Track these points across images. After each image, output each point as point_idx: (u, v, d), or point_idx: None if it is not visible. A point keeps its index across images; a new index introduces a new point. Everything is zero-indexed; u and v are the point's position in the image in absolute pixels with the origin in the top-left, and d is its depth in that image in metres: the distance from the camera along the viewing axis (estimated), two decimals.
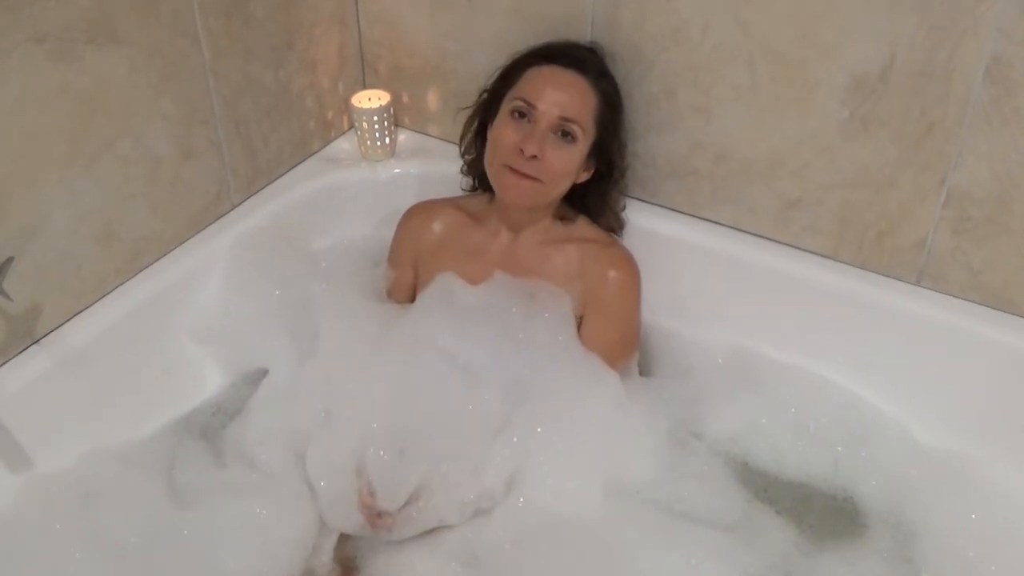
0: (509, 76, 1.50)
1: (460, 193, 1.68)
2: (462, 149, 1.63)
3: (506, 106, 1.47)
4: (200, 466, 1.44)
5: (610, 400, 1.42)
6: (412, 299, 1.59)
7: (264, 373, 1.55)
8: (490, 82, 1.55)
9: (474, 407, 1.41)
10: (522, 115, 1.44)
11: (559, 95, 1.43)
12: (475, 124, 1.58)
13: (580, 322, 1.51)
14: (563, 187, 1.48)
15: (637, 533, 1.33)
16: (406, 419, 1.39)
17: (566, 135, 1.43)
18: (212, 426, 1.55)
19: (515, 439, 1.37)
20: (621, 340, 1.51)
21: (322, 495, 1.36)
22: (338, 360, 1.47)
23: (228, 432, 1.49)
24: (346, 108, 1.87)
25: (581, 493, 1.36)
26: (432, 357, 1.45)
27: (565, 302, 1.49)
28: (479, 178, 1.63)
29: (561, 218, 1.56)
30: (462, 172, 1.66)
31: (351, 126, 1.89)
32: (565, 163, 1.44)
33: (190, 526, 1.33)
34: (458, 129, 1.64)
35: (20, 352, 1.37)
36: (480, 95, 1.57)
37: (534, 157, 1.41)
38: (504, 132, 1.44)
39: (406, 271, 1.61)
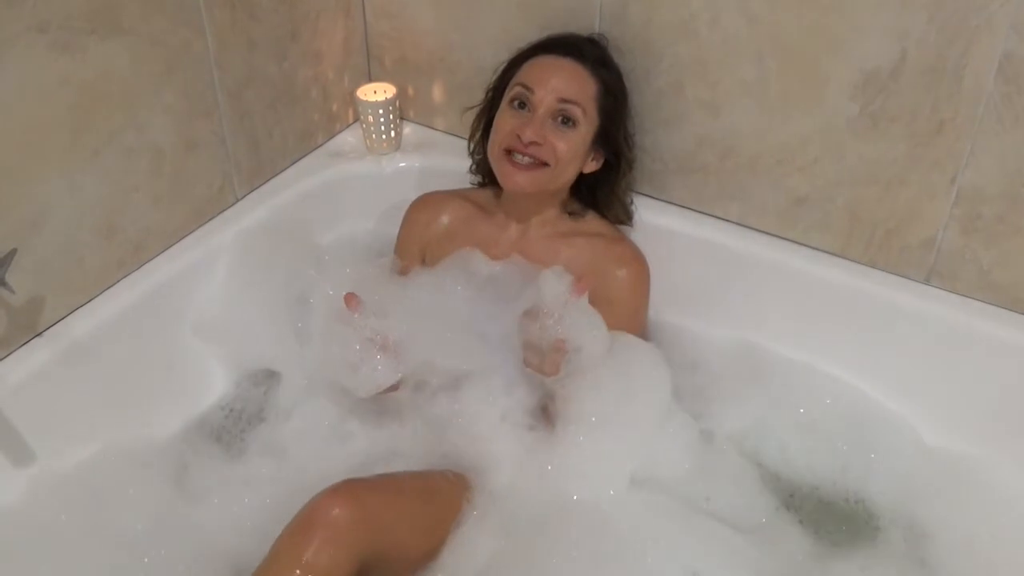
0: (509, 72, 1.51)
1: (467, 186, 1.67)
2: (471, 149, 1.63)
3: (506, 96, 1.48)
4: (205, 460, 1.44)
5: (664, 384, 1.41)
6: None
7: (267, 370, 1.55)
8: (493, 80, 1.55)
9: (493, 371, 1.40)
10: (522, 104, 1.44)
11: (556, 80, 1.43)
12: (482, 123, 1.57)
13: None
14: (569, 173, 1.48)
15: (658, 525, 1.32)
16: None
17: (566, 120, 1.43)
18: (217, 420, 1.55)
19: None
20: None
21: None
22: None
23: (249, 429, 1.49)
24: (351, 101, 1.86)
25: (609, 479, 1.35)
26: (449, 319, 1.44)
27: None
28: (488, 177, 1.63)
29: (570, 212, 1.56)
30: (471, 171, 1.65)
31: (356, 119, 1.88)
32: (568, 146, 1.43)
33: (198, 519, 1.34)
34: (464, 123, 1.63)
35: (22, 345, 1.37)
36: (486, 94, 1.56)
37: (534, 143, 1.41)
38: (503, 120, 1.45)
39: (414, 261, 1.61)
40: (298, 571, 1.14)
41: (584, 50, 1.48)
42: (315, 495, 1.19)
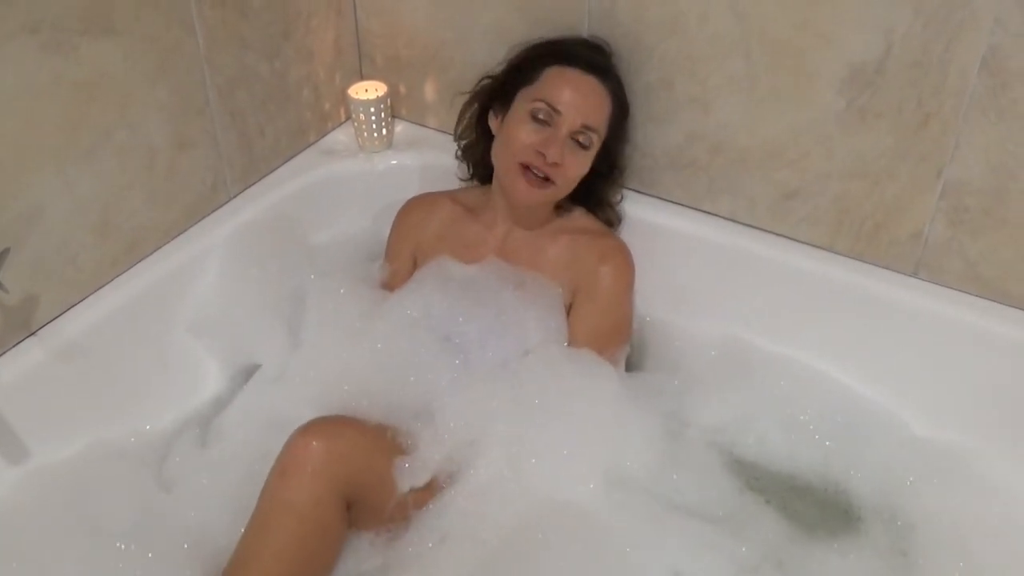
0: (525, 70, 1.48)
1: (457, 184, 1.68)
2: (457, 133, 1.63)
3: (525, 105, 1.44)
4: (197, 456, 1.45)
5: (605, 390, 1.41)
6: None
7: (260, 366, 1.55)
8: (498, 70, 1.54)
9: (463, 383, 1.41)
10: (543, 118, 1.43)
11: (583, 102, 1.43)
12: (475, 108, 1.57)
13: (569, 310, 1.51)
14: (570, 189, 1.50)
15: (631, 523, 1.32)
16: (394, 395, 1.40)
17: (584, 143, 1.44)
18: (206, 417, 1.55)
19: (506, 425, 1.37)
20: (610, 330, 1.51)
21: None
22: (325, 341, 1.49)
23: (214, 420, 1.50)
24: (343, 99, 1.86)
25: (577, 482, 1.35)
26: (422, 333, 1.45)
27: (555, 293, 1.50)
28: (475, 166, 1.63)
29: (557, 208, 1.56)
30: (457, 157, 1.65)
31: (348, 117, 1.89)
32: (580, 168, 1.47)
33: (182, 511, 1.34)
34: (454, 111, 1.62)
35: (16, 344, 1.37)
36: (480, 80, 1.56)
37: (555, 164, 1.41)
38: (523, 131, 1.43)
39: (405, 263, 1.61)
40: (285, 511, 1.18)
41: (604, 65, 1.49)
42: (289, 436, 1.22)
